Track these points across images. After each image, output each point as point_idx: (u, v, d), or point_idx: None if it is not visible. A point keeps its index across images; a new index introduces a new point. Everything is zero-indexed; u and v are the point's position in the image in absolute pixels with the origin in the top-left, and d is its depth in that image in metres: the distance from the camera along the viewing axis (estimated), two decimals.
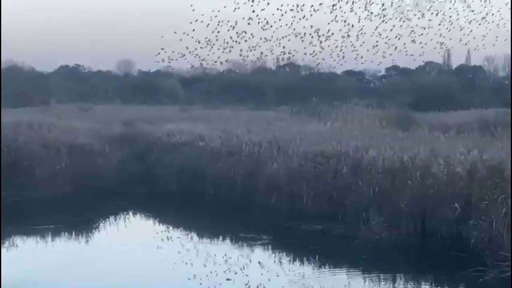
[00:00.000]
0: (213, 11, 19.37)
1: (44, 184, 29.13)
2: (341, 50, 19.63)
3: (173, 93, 74.22)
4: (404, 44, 20.98)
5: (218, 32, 19.33)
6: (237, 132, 31.96)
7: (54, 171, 29.81)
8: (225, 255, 20.17)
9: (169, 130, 35.20)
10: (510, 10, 18.80)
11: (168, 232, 24.18)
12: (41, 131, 33.53)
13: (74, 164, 30.37)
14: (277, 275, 18.07)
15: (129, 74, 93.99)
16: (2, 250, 20.46)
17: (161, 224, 25.83)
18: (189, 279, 17.35)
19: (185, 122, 38.80)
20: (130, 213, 27.69)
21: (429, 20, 20.14)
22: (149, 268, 18.59)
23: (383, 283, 17.37)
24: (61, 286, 16.98)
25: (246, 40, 19.34)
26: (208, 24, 19.24)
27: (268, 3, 19.16)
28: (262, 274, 18.05)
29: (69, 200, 28.44)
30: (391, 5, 19.45)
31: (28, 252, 20.85)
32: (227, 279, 17.48)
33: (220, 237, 22.70)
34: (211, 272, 18.04)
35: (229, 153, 29.62)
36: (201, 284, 16.94)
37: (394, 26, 20.18)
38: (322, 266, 19.04)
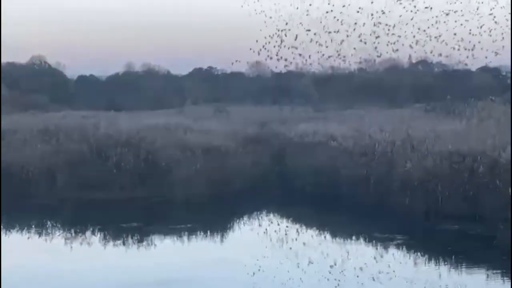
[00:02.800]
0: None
1: (180, 185, 29.82)
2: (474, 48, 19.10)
3: (305, 93, 74.40)
4: None
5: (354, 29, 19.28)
6: (370, 132, 31.76)
7: (190, 172, 30.48)
8: (358, 255, 20.07)
9: (302, 131, 35.39)
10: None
11: (302, 232, 24.29)
12: (178, 133, 34.36)
13: (209, 165, 30.97)
14: (413, 276, 17.84)
15: (261, 75, 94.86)
16: (139, 249, 21.12)
17: (295, 224, 25.95)
18: (318, 278, 17.38)
19: (317, 122, 38.90)
20: (265, 213, 27.95)
21: None
22: (285, 267, 18.72)
23: None
24: (200, 285, 17.35)
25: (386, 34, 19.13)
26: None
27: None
28: (396, 276, 17.87)
29: (205, 200, 29.02)
30: None
31: (166, 251, 21.39)
32: (358, 280, 17.40)
33: (354, 237, 22.61)
34: (343, 272, 18.01)
35: (362, 153, 29.48)
36: (331, 283, 16.94)
37: None
38: (459, 267, 18.65)
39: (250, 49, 23.83)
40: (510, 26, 18.79)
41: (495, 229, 20.61)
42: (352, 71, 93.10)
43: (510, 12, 18.21)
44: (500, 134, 27.61)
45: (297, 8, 23.35)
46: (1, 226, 23.82)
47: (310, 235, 23.67)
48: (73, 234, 22.94)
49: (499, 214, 21.15)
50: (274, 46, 23.28)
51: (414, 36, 19.72)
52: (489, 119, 34.75)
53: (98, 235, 22.89)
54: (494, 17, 19.32)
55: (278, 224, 26.64)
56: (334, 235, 23.09)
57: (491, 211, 22.11)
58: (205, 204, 28.68)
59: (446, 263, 19.23)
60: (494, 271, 18.09)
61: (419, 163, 26.12)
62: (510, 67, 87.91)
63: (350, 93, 68.27)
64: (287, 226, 25.90)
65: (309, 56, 19.94)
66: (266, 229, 25.28)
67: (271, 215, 28.21)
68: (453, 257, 19.59)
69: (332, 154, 30.76)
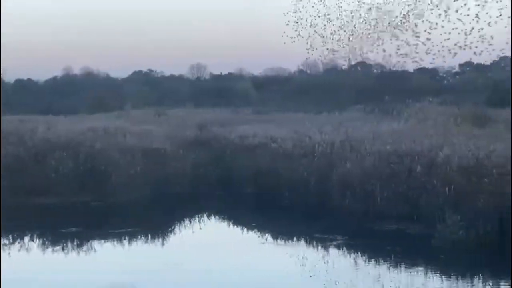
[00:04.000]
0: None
1: (120, 188, 29.56)
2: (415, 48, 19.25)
3: (245, 96, 74.43)
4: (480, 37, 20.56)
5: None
6: (310, 133, 31.91)
7: (130, 176, 30.23)
8: (300, 256, 20.17)
9: (242, 133, 35.36)
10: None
11: (243, 234, 24.33)
12: (117, 137, 34.05)
13: (149, 168, 30.76)
14: (353, 276, 18.01)
15: (201, 77, 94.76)
16: (79, 254, 20.91)
17: (235, 226, 25.98)
18: (262, 280, 17.42)
19: (257, 124, 38.92)
20: (206, 216, 27.90)
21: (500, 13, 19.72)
22: (225, 269, 18.72)
23: (460, 283, 17.14)
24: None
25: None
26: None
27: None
28: (337, 274, 18.01)
29: (145, 204, 28.83)
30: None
31: (106, 255, 21.20)
32: (301, 280, 17.49)
33: (295, 238, 22.72)
34: (284, 273, 18.08)
35: (302, 154, 29.59)
36: (274, 284, 16.99)
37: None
38: (398, 266, 18.89)
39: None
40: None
41: (432, 228, 20.87)
42: (292, 73, 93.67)
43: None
44: (437, 134, 28.05)
45: None
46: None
47: (251, 237, 23.72)
48: (11, 241, 22.59)
49: (436, 214, 21.43)
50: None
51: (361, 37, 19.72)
52: (427, 120, 35.27)
53: (37, 241, 22.59)
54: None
55: (220, 227, 26.63)
56: (275, 236, 23.16)
57: (428, 211, 22.40)
58: (146, 208, 28.50)
59: (385, 262, 19.45)
60: (432, 269, 18.36)
61: (358, 163, 26.33)
62: (446, 69, 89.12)
63: (290, 95, 68.51)
64: (228, 229, 25.92)
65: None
66: (208, 232, 25.26)
67: (212, 217, 28.17)
68: (392, 256, 19.83)
69: (273, 156, 30.78)
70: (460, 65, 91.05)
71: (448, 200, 21.82)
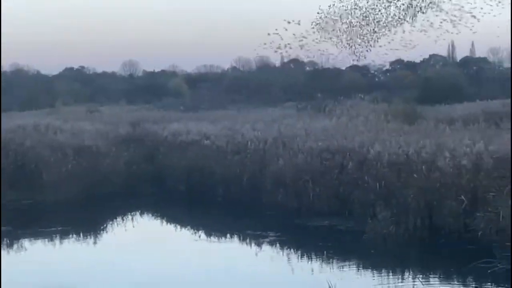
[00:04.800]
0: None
1: (51, 187, 29.16)
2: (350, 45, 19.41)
3: (178, 93, 74.18)
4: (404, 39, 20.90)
5: None
6: (243, 130, 31.99)
7: (61, 174, 29.84)
8: (233, 253, 20.23)
9: (175, 130, 35.23)
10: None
11: (177, 231, 24.30)
12: (48, 134, 33.59)
13: (81, 166, 30.41)
14: (286, 272, 18.14)
15: (134, 74, 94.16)
16: (9, 253, 20.60)
17: (169, 224, 25.93)
18: (196, 278, 17.43)
19: (191, 121, 38.82)
20: (139, 214, 27.76)
21: (436, 14, 20.06)
22: (158, 267, 18.66)
23: (391, 277, 17.40)
24: None
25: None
26: None
27: None
28: (270, 272, 18.12)
29: (77, 202, 28.50)
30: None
31: (36, 254, 20.93)
32: (235, 277, 17.55)
33: (228, 235, 22.77)
34: (218, 269, 18.11)
35: (235, 151, 29.65)
36: (208, 282, 17.01)
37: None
38: (331, 261, 19.09)
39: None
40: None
41: (364, 224, 21.15)
42: (225, 70, 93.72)
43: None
44: (368, 131, 28.41)
45: None
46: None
47: (184, 234, 23.70)
48: None
49: (367, 210, 21.74)
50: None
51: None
52: (358, 117, 35.69)
53: None
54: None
55: (153, 225, 26.53)
56: (208, 233, 23.18)
57: (360, 207, 22.69)
58: (78, 206, 28.17)
59: (317, 257, 19.64)
60: (363, 264, 18.60)
61: (290, 160, 26.49)
62: (377, 66, 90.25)
63: (223, 92, 68.52)
64: (161, 226, 25.83)
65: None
66: (141, 230, 25.13)
67: (145, 215, 28.04)
68: (324, 252, 20.04)
69: (206, 153, 30.74)
70: (391, 63, 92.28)
71: (379, 196, 22.12)
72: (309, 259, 19.65)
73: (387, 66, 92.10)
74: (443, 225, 20.31)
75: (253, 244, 21.31)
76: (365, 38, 18.69)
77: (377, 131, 28.23)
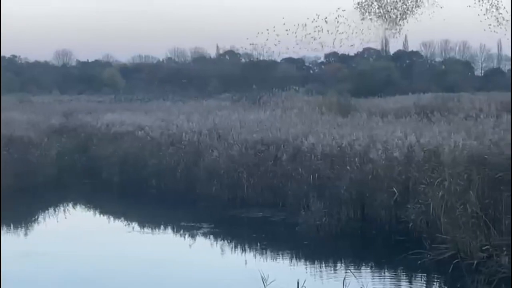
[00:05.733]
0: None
1: None
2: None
3: (112, 83, 73.59)
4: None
5: None
6: (177, 121, 31.89)
7: None
8: (167, 244, 20.17)
9: (108, 120, 34.96)
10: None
11: (110, 223, 24.10)
12: None
13: (12, 157, 29.91)
14: (219, 263, 18.17)
15: (67, 64, 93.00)
16: None
17: (102, 216, 25.71)
18: (130, 269, 17.34)
19: (125, 112, 38.57)
20: (71, 205, 27.46)
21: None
22: (90, 260, 18.49)
23: (324, 267, 17.57)
24: (6, 281, 16.80)
25: None
26: None
27: None
28: (204, 263, 18.12)
29: (7, 193, 28.00)
30: None
31: None
32: (168, 268, 17.51)
33: (162, 227, 22.69)
34: (151, 261, 18.04)
35: (170, 142, 29.55)
36: (141, 274, 16.93)
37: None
38: (264, 253, 19.18)
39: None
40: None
41: (297, 215, 21.29)
42: (160, 61, 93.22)
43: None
44: (302, 123, 28.59)
45: None
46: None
47: (117, 226, 23.52)
48: None
49: (301, 201, 21.88)
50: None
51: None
52: (292, 108, 35.92)
53: None
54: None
55: (85, 216, 26.26)
56: (142, 225, 23.05)
57: (293, 198, 22.83)
58: (7, 198, 27.67)
59: (251, 249, 19.72)
60: (297, 255, 18.73)
61: (225, 152, 26.52)
62: (312, 59, 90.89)
63: (158, 83, 68.22)
64: (94, 218, 25.60)
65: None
66: (73, 222, 24.86)
67: (78, 207, 27.75)
68: (258, 243, 20.12)
69: (140, 144, 30.59)
70: (326, 55, 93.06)
71: (312, 187, 22.29)
72: (242, 250, 19.70)
73: (322, 59, 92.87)
74: (375, 217, 20.57)
75: (186, 236, 21.27)
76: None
77: (311, 123, 28.44)
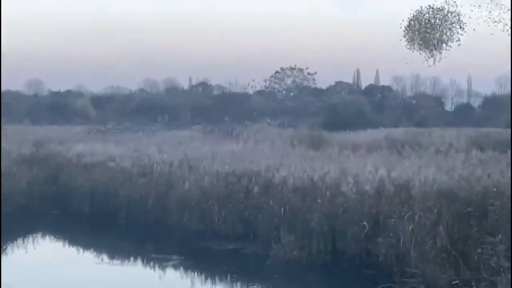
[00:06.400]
0: None
1: None
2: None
3: (84, 113, 73.28)
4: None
5: None
6: (149, 152, 31.81)
7: None
8: (136, 276, 20.03)
9: (79, 151, 34.75)
10: (510, 13, 19.26)
11: (79, 254, 23.89)
12: None
13: None
14: None
15: (39, 94, 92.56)
16: None
17: (71, 246, 25.49)
18: None
19: (96, 142, 38.38)
20: (40, 236, 27.20)
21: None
22: None
23: None
24: None
25: None
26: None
27: None
28: None
29: None
30: None
31: None
32: None
33: (132, 259, 22.54)
34: None
35: (141, 173, 29.43)
36: None
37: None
38: (234, 285, 19.10)
39: None
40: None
41: (268, 248, 21.25)
42: (133, 92, 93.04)
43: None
44: (274, 155, 28.62)
45: None
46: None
47: (86, 257, 23.32)
48: None
49: (272, 234, 21.85)
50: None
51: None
52: (265, 141, 35.99)
53: None
54: None
55: (54, 247, 26.02)
56: (111, 256, 22.91)
57: (264, 231, 22.78)
58: None
59: (221, 281, 19.64)
60: None
61: (196, 183, 26.46)
62: (283, 91, 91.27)
63: (129, 113, 68.05)
64: (63, 248, 25.37)
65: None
66: (41, 252, 24.62)
67: (47, 237, 27.50)
68: (228, 275, 20.04)
69: (111, 175, 30.41)
70: (298, 89, 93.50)
71: (283, 220, 22.26)
72: (213, 283, 19.62)
73: (294, 92, 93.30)
74: (345, 250, 20.56)
75: (156, 268, 21.15)
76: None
77: (283, 155, 28.48)
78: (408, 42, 21.32)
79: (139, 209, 27.96)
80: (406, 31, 21.33)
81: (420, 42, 21.07)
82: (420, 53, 21.23)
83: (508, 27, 19.29)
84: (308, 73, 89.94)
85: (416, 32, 21.08)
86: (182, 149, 32.21)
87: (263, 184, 24.45)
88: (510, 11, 19.50)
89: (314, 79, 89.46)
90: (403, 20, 21.30)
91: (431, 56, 21.20)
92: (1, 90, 66.66)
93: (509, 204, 17.05)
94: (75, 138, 42.42)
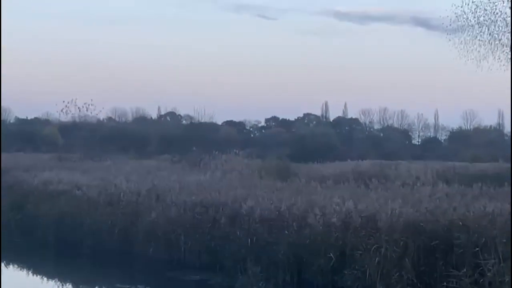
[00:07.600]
0: None
1: None
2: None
3: (52, 141, 72.87)
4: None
5: None
6: (116, 181, 31.63)
7: None
8: None
9: (46, 179, 34.50)
10: (510, 17, 19.32)
11: (43, 283, 23.62)
12: None
13: None
14: None
15: (6, 121, 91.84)
16: None
17: (35, 276, 25.21)
18: None
19: (63, 170, 38.13)
20: (4, 265, 26.84)
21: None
22: None
23: None
24: None
25: None
26: None
27: None
28: None
29: None
30: None
31: None
32: None
33: None
34: None
35: (108, 202, 29.24)
36: None
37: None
38: None
39: None
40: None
41: (234, 279, 21.18)
42: (101, 120, 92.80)
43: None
44: (241, 186, 28.59)
45: None
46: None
47: (51, 286, 23.06)
48: None
49: (238, 264, 21.78)
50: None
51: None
52: (232, 171, 35.95)
53: None
54: None
55: (17, 276, 25.70)
56: (76, 286, 22.65)
57: (231, 261, 22.69)
58: None
59: None
60: None
61: (163, 213, 26.33)
62: (253, 123, 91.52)
63: (97, 142, 67.76)
64: (27, 278, 25.06)
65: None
66: (5, 282, 24.29)
67: (10, 266, 27.15)
68: None
69: (77, 203, 30.19)
70: (266, 120, 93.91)
71: (250, 251, 22.21)
72: None
73: (262, 123, 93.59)
74: (312, 281, 20.56)
75: None
76: None
77: (250, 186, 28.45)
78: None
79: (105, 238, 27.75)
80: None
81: None
82: None
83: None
84: None
85: None
86: (150, 179, 32.08)
87: (230, 215, 24.39)
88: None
89: None
90: None
91: None
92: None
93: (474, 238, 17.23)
94: (41, 165, 42.09)
